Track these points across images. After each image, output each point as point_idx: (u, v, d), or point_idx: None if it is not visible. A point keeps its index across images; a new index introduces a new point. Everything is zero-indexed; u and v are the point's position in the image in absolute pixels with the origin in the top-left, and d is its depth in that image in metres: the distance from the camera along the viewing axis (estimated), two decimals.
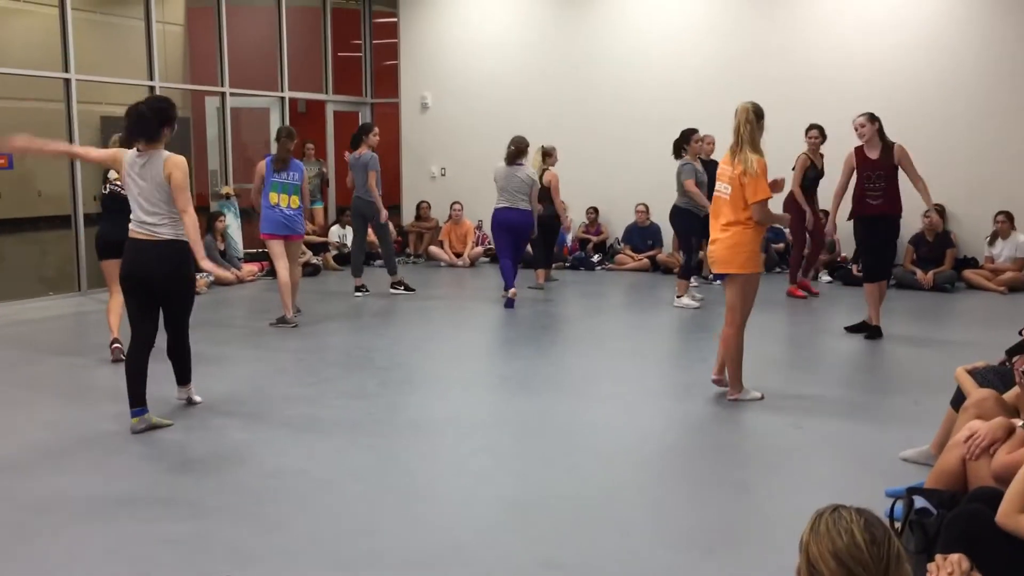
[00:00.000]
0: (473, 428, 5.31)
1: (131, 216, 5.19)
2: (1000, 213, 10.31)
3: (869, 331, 7.56)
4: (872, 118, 7.48)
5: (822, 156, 9.60)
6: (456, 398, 5.93)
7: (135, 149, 5.20)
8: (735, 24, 11.81)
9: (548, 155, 10.45)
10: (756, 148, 5.39)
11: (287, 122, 12.57)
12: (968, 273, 10.36)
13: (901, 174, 7.41)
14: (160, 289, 5.17)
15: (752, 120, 5.40)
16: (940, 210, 10.55)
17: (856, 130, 7.47)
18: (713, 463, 4.67)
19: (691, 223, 9.18)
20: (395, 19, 13.88)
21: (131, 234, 5.19)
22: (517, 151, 9.32)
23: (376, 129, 9.93)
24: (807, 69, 11.45)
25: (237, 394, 5.93)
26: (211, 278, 10.35)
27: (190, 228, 5.11)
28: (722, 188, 5.51)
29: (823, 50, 11.39)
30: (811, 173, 9.54)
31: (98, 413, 5.52)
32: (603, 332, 8.17)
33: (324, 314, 8.86)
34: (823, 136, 9.56)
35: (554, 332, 8.22)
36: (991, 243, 10.42)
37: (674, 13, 12.12)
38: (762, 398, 5.66)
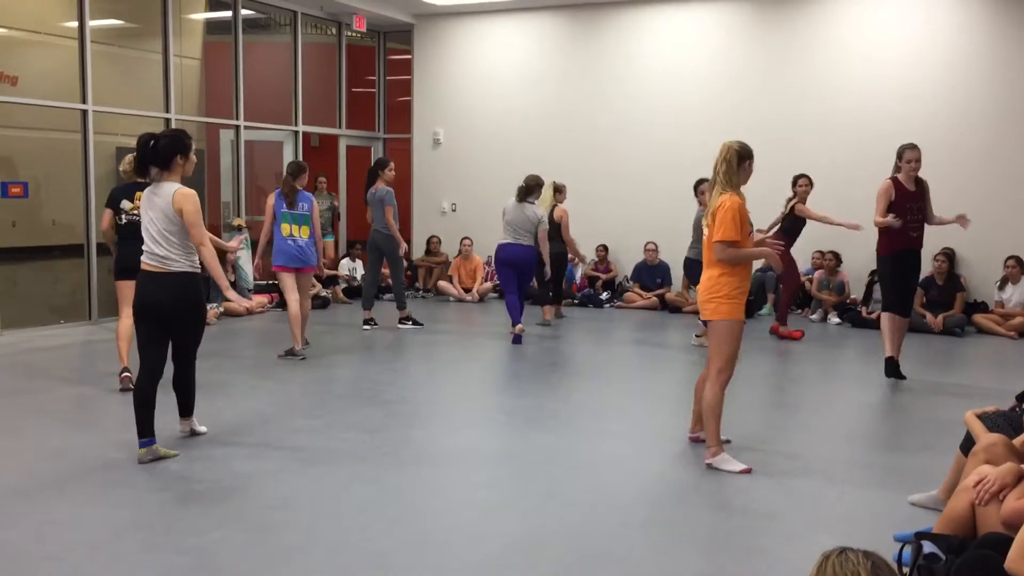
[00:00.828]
0: (480, 463, 5.29)
1: (143, 247, 5.23)
2: (1010, 258, 10.30)
3: (890, 367, 7.45)
4: (920, 152, 7.33)
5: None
6: (463, 433, 5.91)
7: (151, 181, 5.27)
8: (746, 65, 11.90)
9: (559, 191, 10.54)
10: (729, 187, 5.07)
11: (300, 155, 12.68)
12: (978, 317, 10.33)
13: None
14: (170, 320, 5.20)
15: (731, 159, 5.08)
16: (950, 254, 10.56)
17: (910, 163, 7.22)
18: (721, 504, 4.63)
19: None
20: (409, 56, 14.04)
21: (143, 266, 5.22)
22: (527, 189, 9.38)
23: (392, 164, 9.98)
24: (817, 111, 11.53)
25: (244, 425, 5.93)
26: (221, 309, 10.41)
27: (209, 260, 5.17)
28: (705, 230, 5.27)
29: (833, 93, 11.47)
30: (798, 219, 9.52)
31: (105, 441, 5.52)
32: (611, 370, 8.15)
33: (332, 347, 8.88)
34: (811, 184, 9.68)
35: (562, 369, 8.20)
36: (1001, 288, 10.39)
37: (686, 53, 12.23)
38: (745, 472, 5.05)
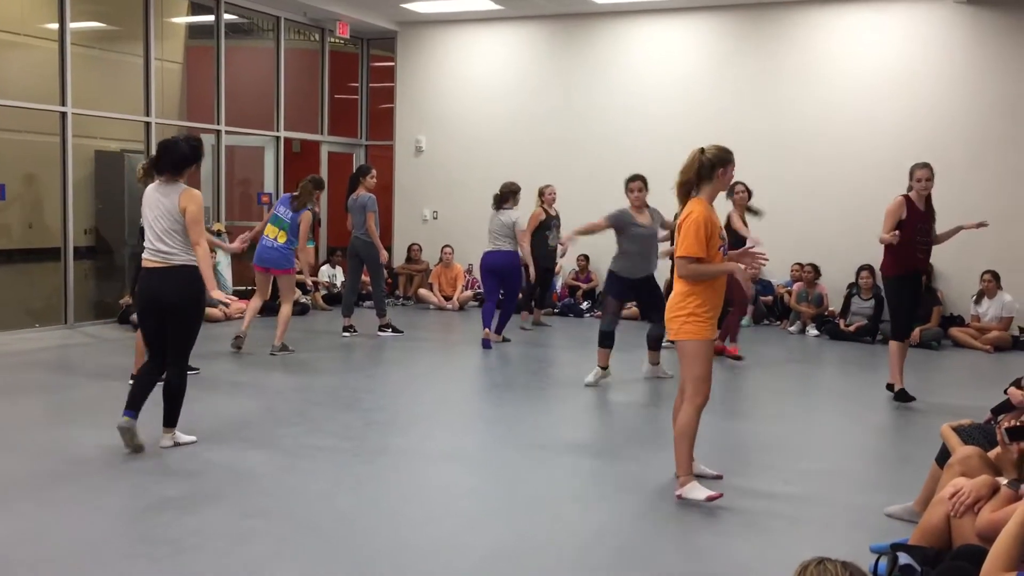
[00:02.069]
0: (460, 472, 5.28)
1: (144, 244, 5.39)
2: (986, 272, 10.39)
3: (900, 395, 7.12)
4: (933, 171, 7.08)
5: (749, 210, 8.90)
6: (443, 441, 5.90)
7: (156, 181, 5.46)
8: (731, 78, 11.98)
9: (540, 194, 10.62)
10: (698, 198, 4.69)
11: (281, 161, 12.69)
12: (954, 331, 10.42)
13: None
14: (170, 312, 5.33)
15: (695, 167, 4.70)
16: (927, 268, 10.65)
17: (920, 181, 7.01)
18: (699, 514, 4.64)
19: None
20: (392, 63, 14.04)
21: (144, 263, 5.38)
22: (501, 196, 9.57)
23: (374, 171, 10.01)
24: (801, 125, 11.62)
25: (222, 432, 5.89)
26: None
27: (202, 259, 5.32)
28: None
29: (817, 107, 11.57)
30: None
31: (82, 446, 5.47)
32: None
33: (312, 353, 8.84)
34: (749, 192, 8.96)
35: (542, 377, 8.21)
36: (977, 302, 10.49)
37: (670, 65, 12.30)
38: (714, 499, 4.67)
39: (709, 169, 4.68)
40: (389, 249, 13.89)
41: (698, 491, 4.72)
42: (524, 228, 9.66)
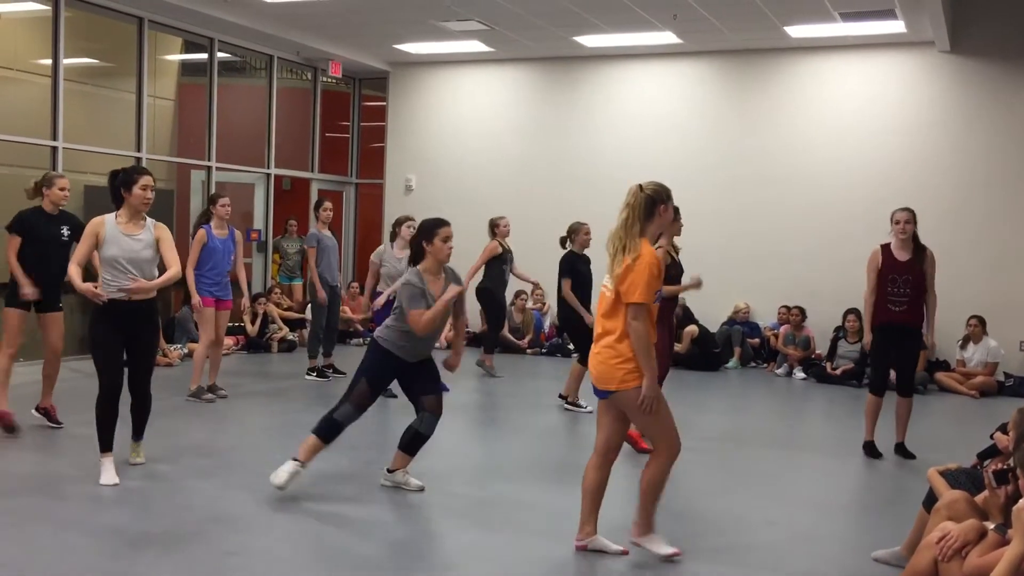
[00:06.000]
0: (445, 512, 5.23)
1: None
2: (972, 317, 10.44)
3: (868, 448, 6.91)
4: (914, 215, 6.73)
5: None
6: (429, 481, 5.84)
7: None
8: (716, 122, 12.11)
9: (495, 227, 9.98)
10: (642, 239, 4.31)
11: (271, 198, 12.73)
12: (940, 375, 10.44)
13: None
14: None
15: (637, 205, 4.31)
16: None
17: (897, 225, 6.67)
18: (685, 555, 4.60)
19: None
20: (384, 103, 14.14)
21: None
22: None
23: (326, 204, 9.63)
24: (786, 170, 11.71)
25: (202, 468, 5.83)
26: (185, 350, 10.26)
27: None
28: (605, 287, 4.43)
29: (802, 152, 11.68)
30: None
31: (58, 480, 5.40)
32: (577, 418, 8.10)
33: (296, 390, 8.78)
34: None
35: (531, 416, 8.15)
36: (963, 347, 10.52)
37: (656, 107, 12.42)
38: (673, 556, 4.40)
39: (651, 205, 4.29)
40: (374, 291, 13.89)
41: (660, 546, 4.43)
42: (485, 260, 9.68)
